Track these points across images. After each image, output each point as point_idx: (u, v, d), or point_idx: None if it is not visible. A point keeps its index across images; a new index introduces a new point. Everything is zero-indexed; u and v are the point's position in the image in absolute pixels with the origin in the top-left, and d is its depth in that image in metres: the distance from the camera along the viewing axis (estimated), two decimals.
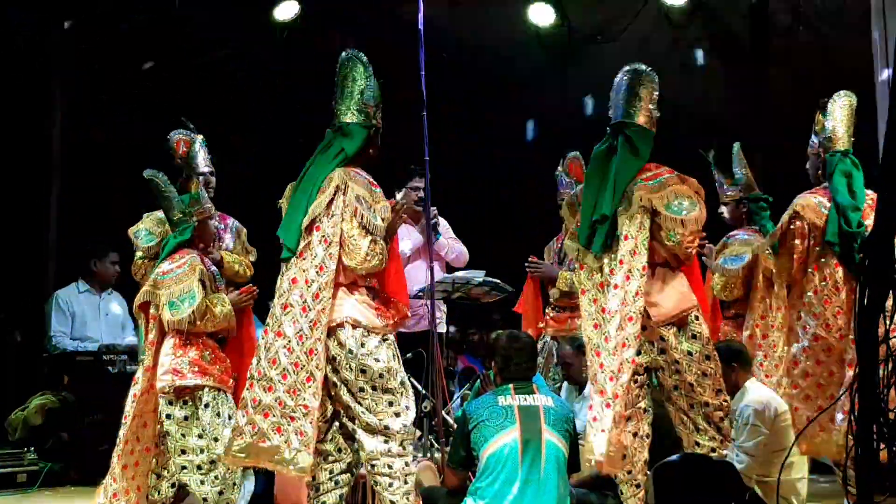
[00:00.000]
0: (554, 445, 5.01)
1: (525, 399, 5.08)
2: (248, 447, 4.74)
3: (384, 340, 4.95)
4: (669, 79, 9.45)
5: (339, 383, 4.86)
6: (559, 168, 7.33)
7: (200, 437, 5.18)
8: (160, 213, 6.08)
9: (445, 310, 7.36)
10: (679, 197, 4.99)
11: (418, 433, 5.27)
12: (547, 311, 7.35)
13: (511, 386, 5.13)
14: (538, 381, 5.97)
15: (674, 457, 4.47)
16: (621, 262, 4.91)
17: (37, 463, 6.91)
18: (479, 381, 6.57)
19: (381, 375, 4.86)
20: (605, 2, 9.82)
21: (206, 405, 5.22)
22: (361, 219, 4.90)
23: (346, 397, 4.85)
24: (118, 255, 7.90)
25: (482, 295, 7.26)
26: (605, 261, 5.00)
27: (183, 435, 5.18)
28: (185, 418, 5.20)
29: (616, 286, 4.90)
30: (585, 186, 5.17)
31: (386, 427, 4.84)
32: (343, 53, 5.19)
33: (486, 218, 11.39)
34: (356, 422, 4.87)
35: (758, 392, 5.74)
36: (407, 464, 4.90)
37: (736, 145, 6.64)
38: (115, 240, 7.92)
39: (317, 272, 4.83)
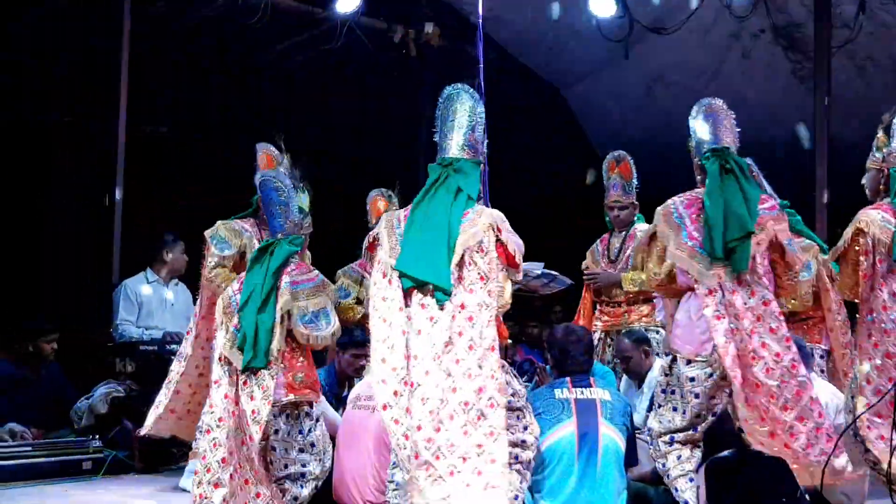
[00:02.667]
0: (611, 439, 5.01)
1: (582, 392, 5.09)
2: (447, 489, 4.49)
3: (504, 368, 4.88)
4: (730, 69, 9.41)
5: None
6: (609, 171, 7.29)
7: (303, 451, 5.27)
8: (234, 224, 6.18)
9: None
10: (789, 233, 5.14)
11: None
12: (598, 307, 7.33)
13: (568, 379, 5.13)
14: (598, 373, 5.97)
15: (727, 452, 4.45)
16: (753, 284, 4.97)
17: (101, 451, 7.01)
18: (535, 373, 6.58)
19: (509, 402, 4.78)
20: None
21: (317, 419, 5.34)
22: (512, 261, 4.85)
23: None
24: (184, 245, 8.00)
25: (541, 287, 7.25)
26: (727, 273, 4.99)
27: (287, 449, 5.26)
28: (290, 432, 5.27)
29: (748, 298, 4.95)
30: (712, 205, 5.06)
31: (522, 441, 4.84)
32: (450, 87, 5.05)
33: (546, 211, 11.39)
34: None
35: (820, 388, 5.67)
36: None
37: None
38: (180, 232, 8.08)
39: (479, 308, 4.68)
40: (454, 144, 4.94)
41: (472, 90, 5.03)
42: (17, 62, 9.76)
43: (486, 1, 6.05)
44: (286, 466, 5.25)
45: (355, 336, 6.39)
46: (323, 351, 6.31)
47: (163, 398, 6.37)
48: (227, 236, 6.15)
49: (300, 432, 5.27)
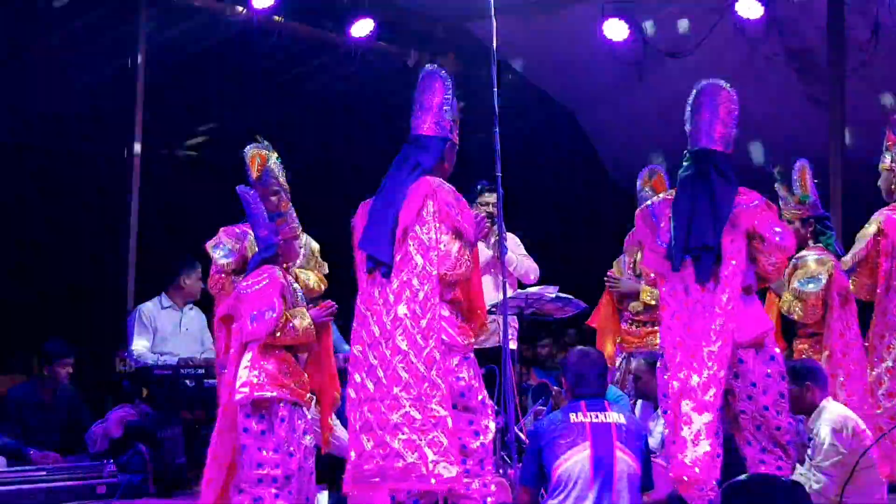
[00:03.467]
0: (626, 463, 4.98)
1: (597, 416, 5.06)
2: (382, 470, 4.65)
3: (465, 359, 4.93)
4: (744, 93, 9.38)
5: None
6: (643, 184, 7.29)
7: (276, 450, 5.22)
8: (236, 228, 6.17)
9: (517, 326, 7.35)
10: (774, 223, 4.97)
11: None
12: (623, 326, 7.32)
13: (583, 402, 5.10)
14: (613, 396, 5.95)
15: (742, 476, 4.42)
16: (724, 285, 4.86)
17: (116, 475, 7.01)
18: (550, 397, 6.56)
19: (461, 394, 4.86)
20: (680, 16, 9.76)
21: (283, 419, 5.25)
22: (452, 224, 4.87)
23: None
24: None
25: (555, 310, 7.25)
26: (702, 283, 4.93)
27: (259, 448, 5.22)
28: (262, 432, 5.22)
29: (720, 308, 4.84)
30: (675, 211, 5.03)
31: (463, 446, 4.81)
32: (425, 67, 5.20)
33: (561, 234, 11.39)
34: None
35: (835, 411, 5.65)
36: (485, 484, 4.87)
37: (801, 162, 6.53)
38: (194, 254, 8.09)
39: (419, 281, 4.79)
40: (422, 122, 5.10)
41: (444, 72, 5.14)
42: (33, 86, 9.84)
43: (500, 25, 6.04)
44: (259, 466, 5.15)
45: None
46: None
47: None
48: (229, 244, 6.12)
49: (270, 432, 5.19)
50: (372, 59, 10.07)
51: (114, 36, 9.40)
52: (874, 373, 5.64)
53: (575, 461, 4.93)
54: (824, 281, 6.22)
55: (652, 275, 6.27)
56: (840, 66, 8.78)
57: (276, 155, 6.01)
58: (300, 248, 6.13)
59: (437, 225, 4.86)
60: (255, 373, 5.22)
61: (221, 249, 6.10)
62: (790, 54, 9.91)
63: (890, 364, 5.53)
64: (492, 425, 4.96)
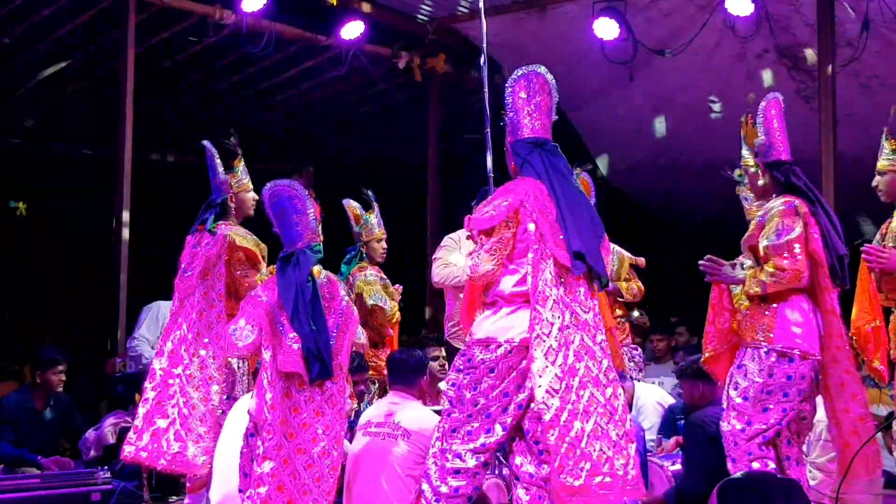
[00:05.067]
0: None
1: None
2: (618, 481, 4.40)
3: None
4: (735, 90, 9.41)
5: None
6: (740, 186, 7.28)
7: None
8: (240, 230, 6.18)
9: None
10: None
11: None
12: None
13: None
14: None
15: (738, 474, 4.41)
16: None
17: (110, 482, 6.98)
18: None
19: None
20: (670, 14, 9.75)
21: None
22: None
23: None
24: None
25: None
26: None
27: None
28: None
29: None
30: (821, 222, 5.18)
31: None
32: (531, 68, 4.99)
33: None
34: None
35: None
36: None
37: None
38: None
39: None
40: (543, 127, 4.86)
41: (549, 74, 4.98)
42: (24, 91, 9.83)
43: (490, 26, 6.03)
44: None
45: (353, 362, 6.33)
46: None
47: None
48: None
49: None
50: (362, 62, 10.05)
51: (102, 40, 9.38)
52: None
53: None
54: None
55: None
56: (830, 62, 8.77)
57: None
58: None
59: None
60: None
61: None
62: (780, 51, 9.91)
63: None
64: None
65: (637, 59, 9.86)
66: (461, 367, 4.64)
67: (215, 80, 10.62)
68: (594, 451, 4.33)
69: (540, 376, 4.35)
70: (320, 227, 5.40)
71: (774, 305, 5.02)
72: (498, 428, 4.55)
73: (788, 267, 4.95)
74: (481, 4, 6.23)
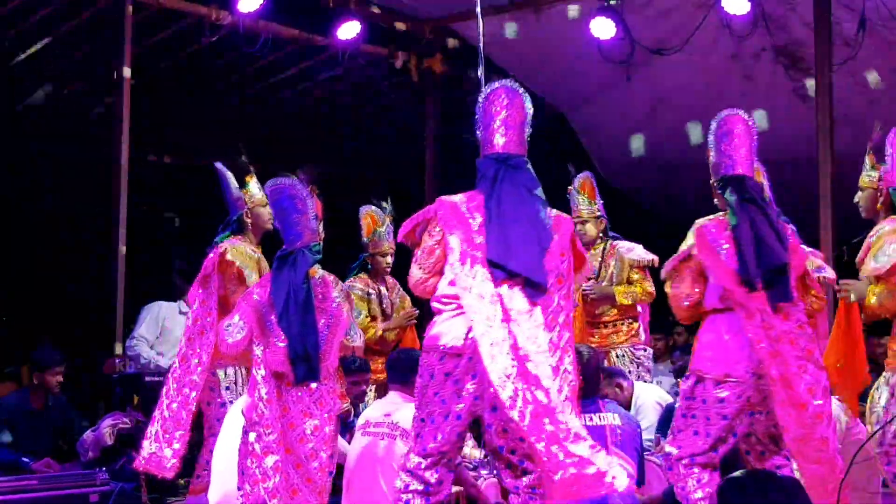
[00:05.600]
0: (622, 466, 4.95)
1: (591, 419, 5.03)
2: (576, 479, 4.40)
3: None
4: (732, 89, 9.41)
5: None
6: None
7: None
8: (245, 248, 6.18)
9: None
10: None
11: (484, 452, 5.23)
12: (590, 328, 7.44)
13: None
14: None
15: (739, 472, 4.41)
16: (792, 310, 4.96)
17: (108, 483, 6.97)
18: None
19: None
20: (667, 14, 9.75)
21: None
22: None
23: None
24: None
25: None
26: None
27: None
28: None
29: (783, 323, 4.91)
30: (741, 237, 4.96)
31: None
32: (502, 82, 4.95)
33: None
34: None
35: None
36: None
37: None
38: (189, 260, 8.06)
39: (565, 315, 4.71)
40: (511, 141, 4.87)
41: (522, 90, 4.95)
42: (18, 92, 9.82)
43: (488, 26, 6.03)
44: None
45: (354, 362, 6.35)
46: None
47: None
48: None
49: None
50: (359, 62, 10.04)
51: (99, 41, 9.37)
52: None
53: None
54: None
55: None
56: (827, 61, 8.77)
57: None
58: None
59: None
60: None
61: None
62: (777, 50, 9.91)
63: None
64: None
65: (634, 58, 9.87)
66: (419, 372, 4.76)
67: (212, 81, 10.61)
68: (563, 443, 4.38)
69: (492, 364, 4.42)
70: (321, 226, 5.43)
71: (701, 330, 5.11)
72: (440, 436, 4.65)
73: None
74: (478, 4, 6.23)
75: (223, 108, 10.96)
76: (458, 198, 4.79)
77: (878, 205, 5.53)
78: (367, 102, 11.63)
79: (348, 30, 9.64)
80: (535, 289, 4.61)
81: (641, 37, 9.70)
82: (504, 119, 4.85)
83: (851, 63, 9.12)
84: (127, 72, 8.55)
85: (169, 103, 10.37)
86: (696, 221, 5.09)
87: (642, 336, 7.56)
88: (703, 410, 4.93)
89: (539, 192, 4.85)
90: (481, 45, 6.03)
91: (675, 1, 9.67)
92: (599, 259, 7.43)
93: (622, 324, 7.43)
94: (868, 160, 5.61)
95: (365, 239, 7.56)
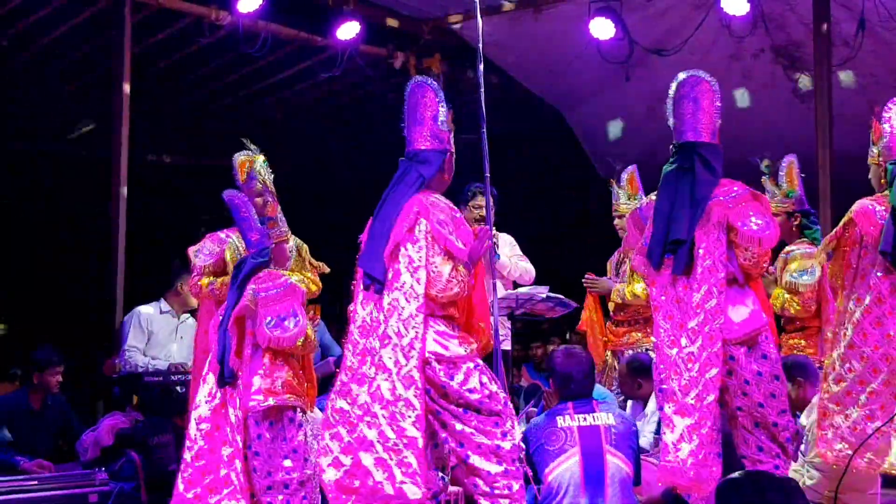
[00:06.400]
0: (617, 467, 4.95)
1: (585, 419, 5.03)
2: (348, 487, 4.67)
3: (475, 367, 4.86)
4: (731, 89, 9.40)
5: (440, 410, 4.81)
6: (617, 184, 7.34)
7: (286, 458, 5.19)
8: (222, 234, 6.14)
9: (510, 326, 7.34)
10: (754, 214, 4.91)
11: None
12: (607, 324, 7.33)
13: (570, 405, 5.08)
14: (599, 395, 5.94)
15: (737, 473, 4.41)
16: (700, 279, 4.82)
17: (107, 483, 6.98)
18: (541, 397, 6.55)
19: (481, 403, 4.80)
20: (666, 14, 9.76)
21: (300, 425, 5.25)
22: (444, 244, 4.82)
23: (453, 421, 4.80)
24: None
25: (546, 311, 7.25)
26: (682, 278, 4.89)
27: (270, 455, 5.20)
28: (273, 439, 5.20)
29: (697, 305, 4.80)
30: (656, 208, 5.01)
31: (497, 447, 4.78)
32: (414, 79, 5.12)
33: (551, 233, 11.39)
34: (466, 445, 4.79)
35: None
36: (521, 485, 4.83)
37: (789, 157, 6.54)
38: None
39: (406, 299, 4.76)
40: (418, 136, 5.02)
41: (432, 82, 5.10)
42: (18, 93, 9.81)
43: (486, 26, 6.02)
44: (269, 474, 5.18)
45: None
46: None
47: None
48: (209, 246, 6.09)
49: (283, 439, 5.20)
50: (358, 62, 10.04)
51: (99, 41, 9.37)
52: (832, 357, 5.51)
53: (565, 468, 4.91)
54: (818, 273, 6.16)
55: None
56: (826, 61, 8.77)
57: (262, 158, 5.98)
58: (290, 252, 6.10)
59: (429, 244, 4.83)
60: (269, 381, 5.20)
61: (202, 253, 6.08)
62: (776, 50, 9.91)
63: (842, 352, 5.32)
64: (517, 425, 4.90)
65: (633, 58, 9.87)
66: None
67: (211, 81, 10.61)
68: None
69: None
70: (283, 225, 5.62)
71: None
72: None
73: None
74: (477, 4, 6.23)
75: (222, 107, 10.96)
76: None
77: (882, 180, 5.52)
78: (366, 102, 11.62)
79: (347, 30, 9.63)
80: (374, 286, 4.90)
81: (640, 37, 9.70)
82: (417, 116, 5.02)
83: (850, 63, 9.13)
84: (127, 72, 8.56)
85: (168, 103, 10.37)
86: None
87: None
88: None
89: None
90: (480, 45, 6.01)
91: (674, 1, 9.66)
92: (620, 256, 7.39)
93: (636, 324, 7.34)
94: (872, 135, 5.60)
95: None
